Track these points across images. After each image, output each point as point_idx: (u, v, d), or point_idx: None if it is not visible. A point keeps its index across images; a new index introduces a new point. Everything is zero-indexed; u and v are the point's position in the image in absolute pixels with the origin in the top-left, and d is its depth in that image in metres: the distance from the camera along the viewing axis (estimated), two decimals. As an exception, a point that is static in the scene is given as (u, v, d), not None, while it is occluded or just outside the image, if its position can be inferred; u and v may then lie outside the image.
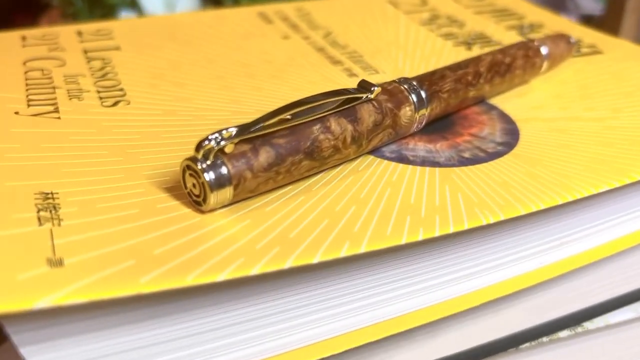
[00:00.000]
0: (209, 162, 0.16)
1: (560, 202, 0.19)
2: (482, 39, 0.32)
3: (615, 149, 0.22)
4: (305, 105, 0.18)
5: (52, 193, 0.17)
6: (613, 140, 0.23)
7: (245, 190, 0.17)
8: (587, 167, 0.21)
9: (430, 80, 0.22)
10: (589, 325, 0.25)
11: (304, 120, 0.18)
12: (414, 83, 0.22)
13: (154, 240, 0.16)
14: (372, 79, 0.27)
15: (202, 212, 0.17)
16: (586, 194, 0.19)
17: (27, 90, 0.23)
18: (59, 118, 0.21)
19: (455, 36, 0.32)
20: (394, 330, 0.19)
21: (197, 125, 0.22)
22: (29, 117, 0.21)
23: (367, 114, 0.20)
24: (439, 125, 0.23)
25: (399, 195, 0.19)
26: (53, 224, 0.15)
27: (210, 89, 0.25)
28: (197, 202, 0.17)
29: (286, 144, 0.18)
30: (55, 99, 0.23)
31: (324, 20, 0.33)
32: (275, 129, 0.18)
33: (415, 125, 0.22)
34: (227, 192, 0.17)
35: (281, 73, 0.27)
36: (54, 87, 0.24)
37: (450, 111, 0.23)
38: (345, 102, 0.20)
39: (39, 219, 0.16)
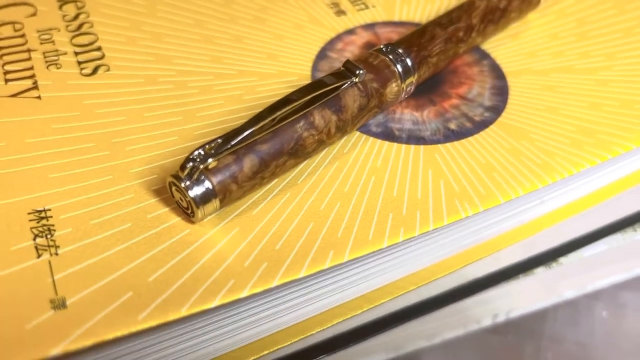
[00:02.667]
0: (193, 179, 0.17)
1: (540, 186, 0.19)
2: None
3: (603, 113, 0.22)
4: (288, 105, 0.18)
5: (45, 210, 0.17)
6: (603, 101, 0.22)
7: (231, 200, 0.18)
8: (573, 140, 0.21)
9: (419, 45, 0.21)
10: (563, 260, 0.27)
11: (287, 121, 0.18)
12: (400, 51, 0.21)
13: (148, 263, 0.16)
14: (361, 15, 0.26)
15: (191, 221, 0.18)
16: (567, 175, 0.20)
17: (1, 57, 0.22)
18: (39, 97, 0.21)
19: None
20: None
21: (180, 97, 0.22)
22: (9, 98, 0.21)
23: (352, 100, 0.19)
24: (427, 85, 0.23)
25: (382, 187, 0.19)
26: (51, 254, 0.16)
27: (191, 42, 0.24)
28: (185, 212, 0.18)
29: (270, 149, 0.18)
30: (32, 67, 0.22)
31: None
32: (258, 136, 0.18)
33: (403, 95, 0.21)
34: (214, 205, 0.17)
35: (264, 14, 0.25)
36: (28, 50, 0.23)
37: (440, 71, 0.23)
38: (332, 88, 0.19)
39: (36, 248, 0.16)
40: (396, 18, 0.26)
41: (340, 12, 0.26)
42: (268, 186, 0.19)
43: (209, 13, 0.25)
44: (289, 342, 0.19)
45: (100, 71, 0.22)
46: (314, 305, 0.19)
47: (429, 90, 0.23)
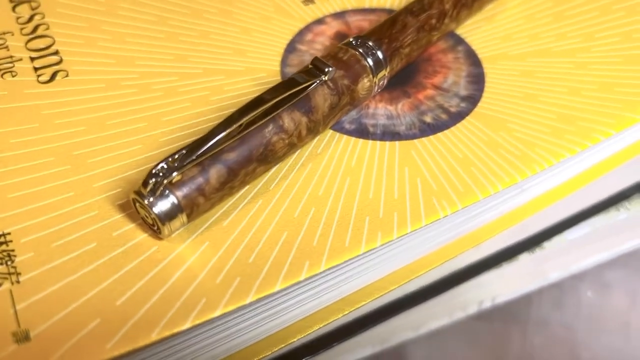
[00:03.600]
0: (157, 195, 0.16)
1: (519, 180, 0.19)
2: None
3: (583, 98, 0.21)
4: (255, 110, 0.17)
5: (3, 234, 0.16)
6: (582, 85, 0.22)
7: (199, 213, 0.17)
8: (552, 129, 0.20)
9: (390, 36, 0.20)
10: (547, 244, 0.27)
11: (254, 126, 0.17)
12: (371, 43, 0.20)
13: (116, 286, 0.16)
14: (330, 3, 0.25)
15: (159, 237, 0.17)
16: (547, 166, 0.19)
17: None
18: (-5, 109, 0.20)
19: None
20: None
21: (142, 101, 0.21)
22: (-36, 112, 0.20)
23: (322, 99, 0.19)
24: (400, 76, 0.22)
25: (358, 188, 0.18)
26: (12, 282, 0.16)
27: (154, 41, 0.23)
28: (152, 228, 0.17)
29: (238, 157, 0.17)
30: (-14, 77, 0.21)
31: None
32: (224, 144, 0.17)
33: (376, 89, 0.20)
34: (181, 220, 0.16)
35: (229, 5, 0.24)
36: (-18, 57, 0.22)
37: (413, 60, 0.22)
38: (301, 88, 0.18)
39: (-4, 276, 0.16)
40: (367, 5, 0.25)
41: (309, 1, 0.25)
42: (238, 195, 0.18)
43: (172, 9, 0.24)
44: (270, 352, 0.19)
45: (58, 77, 0.21)
46: (292, 313, 0.18)
47: (402, 81, 0.22)
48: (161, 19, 0.23)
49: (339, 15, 0.24)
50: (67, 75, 0.21)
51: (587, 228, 0.27)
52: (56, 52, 0.22)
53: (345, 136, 0.20)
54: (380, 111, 0.21)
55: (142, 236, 0.17)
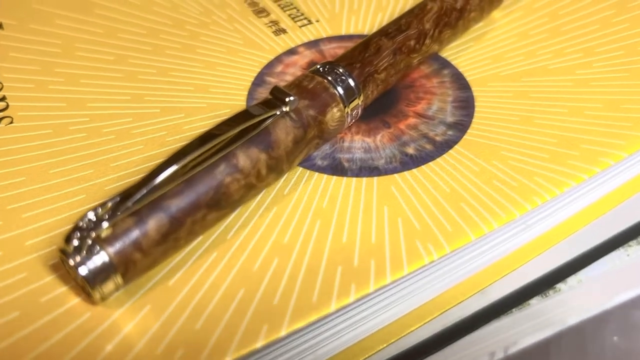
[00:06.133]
0: (84, 253, 0.14)
1: (517, 215, 0.16)
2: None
3: (585, 119, 0.19)
4: (204, 146, 0.15)
5: None
6: (584, 104, 0.19)
7: (138, 272, 0.14)
8: (553, 154, 0.18)
9: (362, 61, 0.18)
10: (561, 286, 0.24)
11: (202, 167, 0.15)
12: (341, 70, 0.18)
13: (37, 362, 0.13)
14: (304, 32, 0.23)
15: (93, 302, 0.14)
16: (549, 198, 0.17)
17: None
18: None
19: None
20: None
21: (92, 146, 0.19)
22: None
23: (284, 133, 0.16)
24: (379, 104, 0.20)
25: (330, 233, 0.16)
26: None
27: (110, 81, 0.21)
28: (85, 291, 0.14)
29: (182, 203, 0.15)
30: None
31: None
32: (166, 188, 0.14)
33: (349, 120, 0.18)
34: (115, 282, 0.14)
35: (194, 40, 0.22)
36: None
37: (392, 87, 0.20)
38: (259, 121, 0.16)
39: None
40: (343, 32, 0.23)
41: (280, 31, 0.23)
42: (190, 247, 0.16)
43: (133, 46, 0.22)
44: None
45: (1, 124, 0.19)
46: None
47: (382, 110, 0.19)
48: (120, 58, 0.22)
49: (313, 44, 0.22)
50: (11, 122, 0.19)
51: (607, 265, 0.24)
52: (3, 98, 0.20)
53: (316, 173, 0.18)
54: (356, 144, 0.19)
55: (75, 301, 0.15)
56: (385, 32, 0.19)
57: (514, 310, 0.22)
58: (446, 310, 0.19)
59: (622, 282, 0.24)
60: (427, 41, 0.19)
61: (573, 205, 0.20)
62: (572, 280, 0.23)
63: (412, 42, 0.19)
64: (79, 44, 0.22)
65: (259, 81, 0.21)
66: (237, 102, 0.20)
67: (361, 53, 0.18)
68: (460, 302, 0.19)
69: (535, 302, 0.22)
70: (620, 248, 0.23)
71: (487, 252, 0.19)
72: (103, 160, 0.18)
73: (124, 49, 0.22)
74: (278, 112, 0.16)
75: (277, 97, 0.16)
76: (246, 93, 0.20)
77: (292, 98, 0.16)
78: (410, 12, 0.20)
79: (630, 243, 0.24)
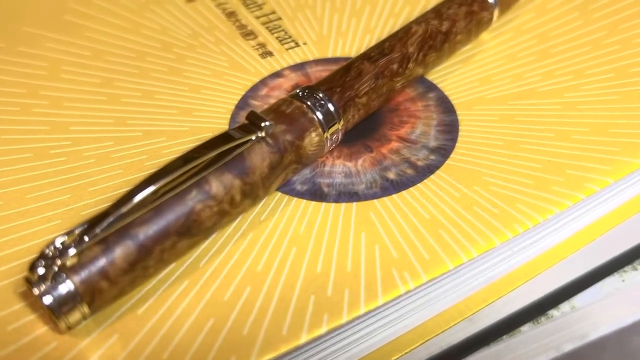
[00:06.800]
0: (48, 281, 0.13)
1: (498, 243, 0.16)
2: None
3: (572, 143, 0.18)
4: (175, 172, 0.15)
5: None
6: (571, 128, 0.19)
7: (105, 301, 0.14)
8: (537, 180, 0.17)
9: (342, 86, 0.18)
10: (554, 312, 0.23)
11: (172, 193, 0.15)
12: (320, 94, 0.17)
13: (-2, 395, 0.13)
14: (290, 55, 0.23)
15: (59, 331, 0.14)
16: (531, 225, 0.16)
17: None
18: None
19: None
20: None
21: (72, 170, 0.18)
22: None
23: (260, 159, 0.16)
24: (362, 128, 0.19)
25: (305, 261, 0.16)
26: None
27: (94, 104, 0.21)
28: (52, 319, 0.14)
29: (150, 231, 0.14)
30: None
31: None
32: (135, 215, 0.14)
33: (329, 145, 0.18)
34: (81, 311, 0.14)
35: (181, 63, 0.22)
36: None
37: (374, 110, 0.19)
38: (233, 146, 0.16)
39: None
40: (330, 54, 0.22)
41: (267, 54, 0.23)
42: (161, 274, 0.15)
43: (119, 69, 0.22)
44: None
45: (-16, 145, 0.19)
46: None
47: (364, 134, 0.19)
48: (106, 81, 0.22)
49: (299, 66, 0.22)
50: (-7, 144, 0.19)
51: (602, 291, 0.24)
52: (-14, 121, 0.20)
53: (295, 199, 0.17)
54: (337, 169, 0.18)
55: (42, 330, 0.14)
56: (367, 56, 0.19)
57: (504, 337, 0.22)
58: (430, 339, 0.19)
59: (618, 308, 0.24)
60: (411, 65, 0.19)
61: (563, 230, 0.19)
62: (565, 306, 0.22)
63: (395, 66, 0.19)
64: (66, 67, 0.22)
65: (242, 104, 0.21)
66: (220, 126, 0.20)
67: (342, 77, 0.18)
68: (445, 330, 0.19)
69: (527, 329, 0.22)
70: (615, 273, 0.23)
71: (473, 279, 0.18)
72: (81, 184, 0.18)
73: (110, 71, 0.22)
74: (253, 137, 0.16)
75: (253, 122, 0.16)
76: (229, 116, 0.20)
77: (267, 123, 0.16)
78: (395, 35, 0.20)
79: (626, 268, 0.23)
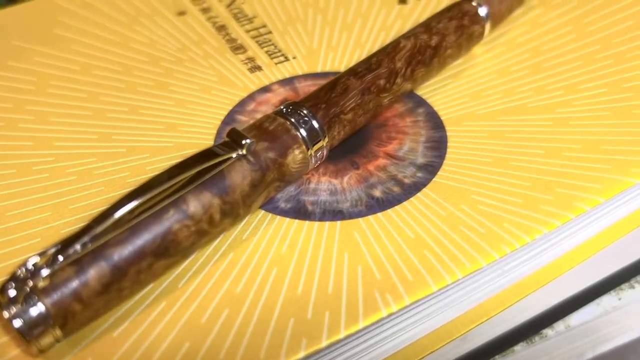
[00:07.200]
0: (19, 304, 0.13)
1: (484, 264, 0.16)
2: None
3: (563, 160, 0.18)
4: (151, 191, 0.14)
5: None
6: (562, 145, 0.18)
7: (79, 323, 0.14)
8: (525, 198, 0.17)
9: (327, 102, 0.18)
10: (548, 331, 0.23)
11: (148, 213, 0.14)
12: (305, 111, 0.17)
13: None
14: (279, 69, 0.23)
15: (32, 354, 0.14)
16: (518, 246, 0.16)
17: None
18: None
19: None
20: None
21: (53, 187, 0.18)
22: None
23: (240, 177, 0.16)
24: (349, 144, 0.19)
25: (285, 281, 0.15)
26: None
27: (79, 119, 0.20)
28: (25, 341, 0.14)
29: (125, 251, 0.14)
30: None
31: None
32: (110, 235, 0.14)
33: (314, 162, 0.18)
34: (54, 334, 0.13)
35: (168, 77, 0.22)
36: None
37: (361, 127, 0.19)
38: (213, 164, 0.16)
39: None
40: (319, 69, 0.22)
41: (256, 68, 0.22)
42: (138, 295, 0.15)
43: (106, 83, 0.22)
44: None
45: (-34, 163, 0.19)
46: None
47: (351, 150, 0.19)
48: (92, 95, 0.21)
49: (288, 81, 0.22)
50: (-24, 161, 0.19)
51: (597, 309, 0.23)
52: (-29, 137, 0.20)
53: (278, 217, 0.17)
54: (323, 186, 0.18)
55: (15, 352, 0.14)
56: (354, 72, 0.19)
57: (497, 357, 0.21)
58: (426, 356, 0.18)
59: (615, 327, 0.23)
60: (399, 80, 0.19)
61: (555, 249, 0.19)
62: (559, 325, 0.22)
63: (382, 82, 0.19)
64: (53, 81, 0.22)
65: (229, 120, 0.20)
66: (205, 142, 0.20)
67: (327, 93, 0.18)
68: (436, 350, 0.19)
69: (520, 349, 0.21)
70: (612, 292, 0.22)
71: (464, 298, 0.18)
72: (62, 202, 0.18)
73: (97, 86, 0.22)
74: (234, 155, 0.16)
75: (234, 139, 0.16)
76: (215, 132, 0.20)
77: (248, 140, 0.16)
78: (383, 50, 0.19)
79: (622, 286, 0.23)
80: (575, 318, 0.22)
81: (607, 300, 0.22)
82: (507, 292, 0.19)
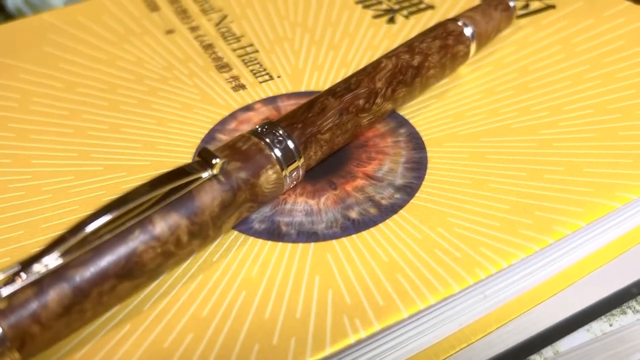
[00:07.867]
0: (-24, 327, 0.13)
1: (457, 290, 0.15)
2: (410, 2, 0.26)
3: (544, 183, 0.17)
4: (116, 211, 0.14)
5: None
6: (544, 167, 0.18)
7: (39, 346, 0.14)
8: (503, 222, 0.16)
9: (304, 122, 0.17)
10: (536, 358, 0.22)
11: (113, 233, 0.14)
12: (280, 131, 0.17)
13: None
14: (263, 88, 0.22)
15: (-10, 378, 0.14)
16: (494, 271, 0.15)
17: None
18: None
19: (378, 0, 0.26)
20: None
21: (27, 205, 0.18)
22: None
23: (210, 198, 0.15)
24: (328, 164, 0.19)
25: (253, 305, 0.15)
26: None
27: (59, 137, 0.20)
28: (-17, 365, 0.14)
29: (86, 273, 0.14)
30: None
31: None
32: (73, 256, 0.14)
33: (289, 182, 0.17)
34: (10, 357, 0.13)
35: (151, 95, 0.22)
36: None
37: (340, 147, 0.19)
38: (182, 184, 0.15)
39: None
40: (303, 88, 0.22)
41: (239, 87, 0.22)
42: (103, 318, 0.15)
43: (89, 101, 0.22)
44: None
45: (-57, 180, 0.19)
46: None
47: (330, 170, 0.19)
48: (74, 113, 0.21)
49: (271, 100, 0.22)
50: (-48, 178, 0.19)
51: (587, 335, 0.22)
52: (-49, 155, 0.20)
53: (252, 238, 0.17)
54: (299, 206, 0.18)
55: (-28, 375, 0.14)
56: (333, 91, 0.18)
57: (482, 385, 0.20)
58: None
59: (605, 354, 0.22)
60: (379, 100, 0.19)
61: (541, 273, 0.19)
62: (547, 352, 0.21)
63: (362, 102, 0.18)
64: (37, 98, 0.22)
65: (209, 138, 0.20)
66: (183, 160, 0.19)
67: (304, 113, 0.18)
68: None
69: (507, 376, 0.21)
70: (603, 317, 0.22)
71: (445, 322, 0.17)
72: (35, 221, 0.18)
73: (80, 103, 0.22)
74: (203, 175, 0.15)
75: (205, 158, 0.16)
76: (194, 151, 0.20)
77: (218, 160, 0.15)
78: (363, 70, 0.19)
79: (614, 312, 0.22)
80: (564, 344, 0.21)
81: (596, 326, 0.22)
82: (490, 317, 0.18)
